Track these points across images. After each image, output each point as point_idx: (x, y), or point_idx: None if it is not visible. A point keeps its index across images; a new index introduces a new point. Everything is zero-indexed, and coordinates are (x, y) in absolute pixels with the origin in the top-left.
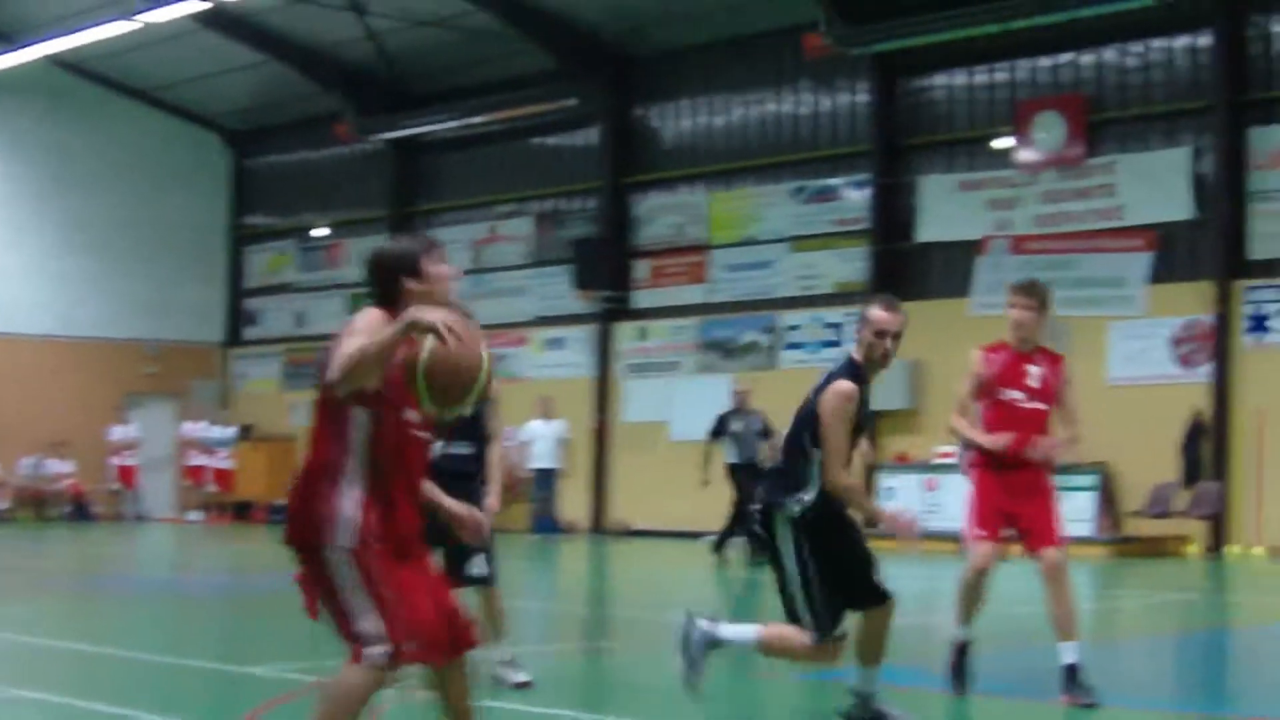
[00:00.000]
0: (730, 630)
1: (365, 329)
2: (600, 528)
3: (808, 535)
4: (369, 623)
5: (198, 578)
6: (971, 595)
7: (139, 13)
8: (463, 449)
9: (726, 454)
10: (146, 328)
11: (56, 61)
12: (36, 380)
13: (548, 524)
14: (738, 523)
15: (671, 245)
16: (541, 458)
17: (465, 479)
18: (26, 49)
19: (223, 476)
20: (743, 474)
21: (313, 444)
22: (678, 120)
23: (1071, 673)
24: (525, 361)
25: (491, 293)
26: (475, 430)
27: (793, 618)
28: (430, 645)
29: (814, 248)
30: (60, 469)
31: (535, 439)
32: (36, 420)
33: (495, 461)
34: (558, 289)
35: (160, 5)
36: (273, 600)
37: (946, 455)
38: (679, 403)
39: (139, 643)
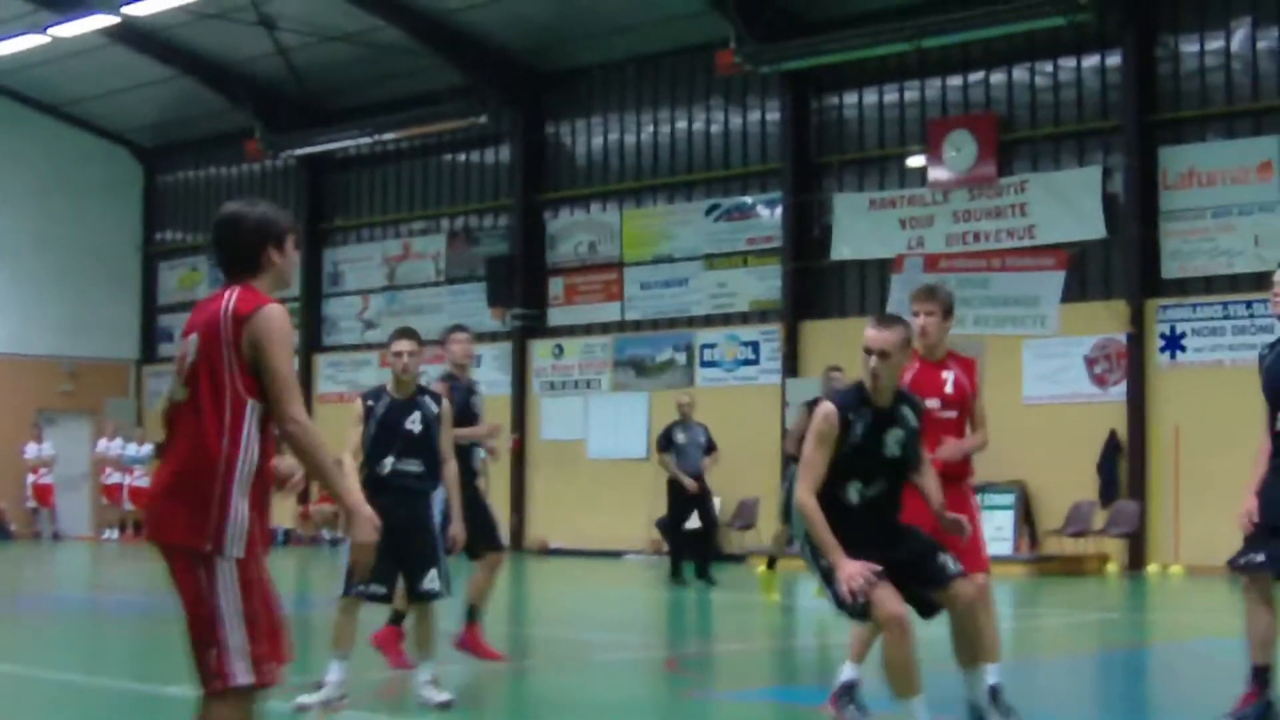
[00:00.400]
0: (847, 671)
1: (287, 339)
2: (518, 546)
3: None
4: (238, 641)
5: (114, 596)
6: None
7: (49, 27)
8: (412, 466)
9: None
10: (60, 345)
11: None
12: None
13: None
14: (681, 542)
15: (585, 263)
16: None
17: (415, 495)
18: None
19: (139, 494)
20: (681, 491)
21: (195, 437)
22: (590, 138)
23: (994, 694)
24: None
25: (405, 310)
26: (425, 448)
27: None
28: (279, 666)
29: (728, 266)
30: None
31: None
32: None
33: (451, 482)
34: (472, 306)
35: (70, 19)
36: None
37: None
38: (595, 421)
39: (55, 662)
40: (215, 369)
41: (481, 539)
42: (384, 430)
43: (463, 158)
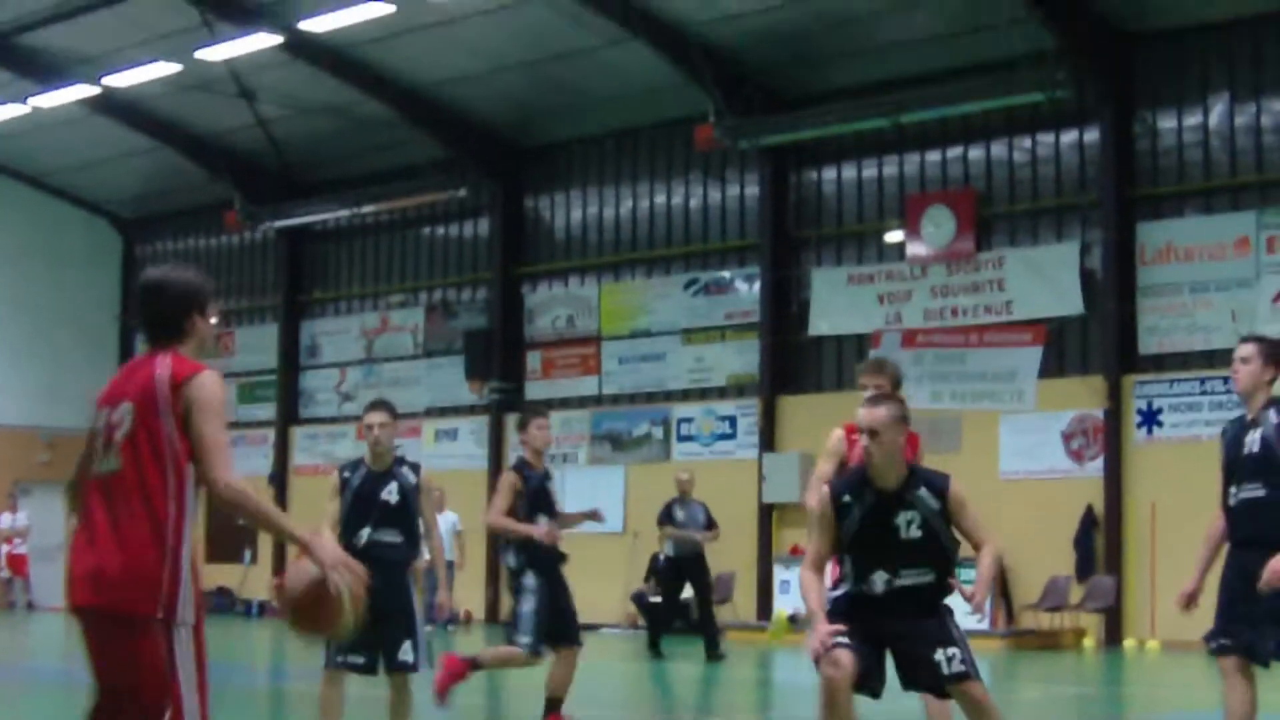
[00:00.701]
0: None
1: (220, 405)
2: (494, 618)
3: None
4: (193, 707)
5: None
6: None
7: (29, 97)
8: (389, 536)
9: (665, 546)
10: (38, 415)
11: None
12: None
13: (443, 616)
14: (663, 616)
15: (563, 337)
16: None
17: (391, 566)
18: None
19: None
20: (680, 566)
21: (140, 505)
22: (569, 211)
23: None
24: (418, 453)
25: (383, 383)
26: (403, 518)
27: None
28: None
29: (706, 340)
30: None
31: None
32: None
33: (436, 552)
34: (450, 379)
35: (50, 90)
36: None
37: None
38: (571, 494)
39: None
40: (155, 436)
41: (562, 632)
42: (360, 501)
43: (442, 230)
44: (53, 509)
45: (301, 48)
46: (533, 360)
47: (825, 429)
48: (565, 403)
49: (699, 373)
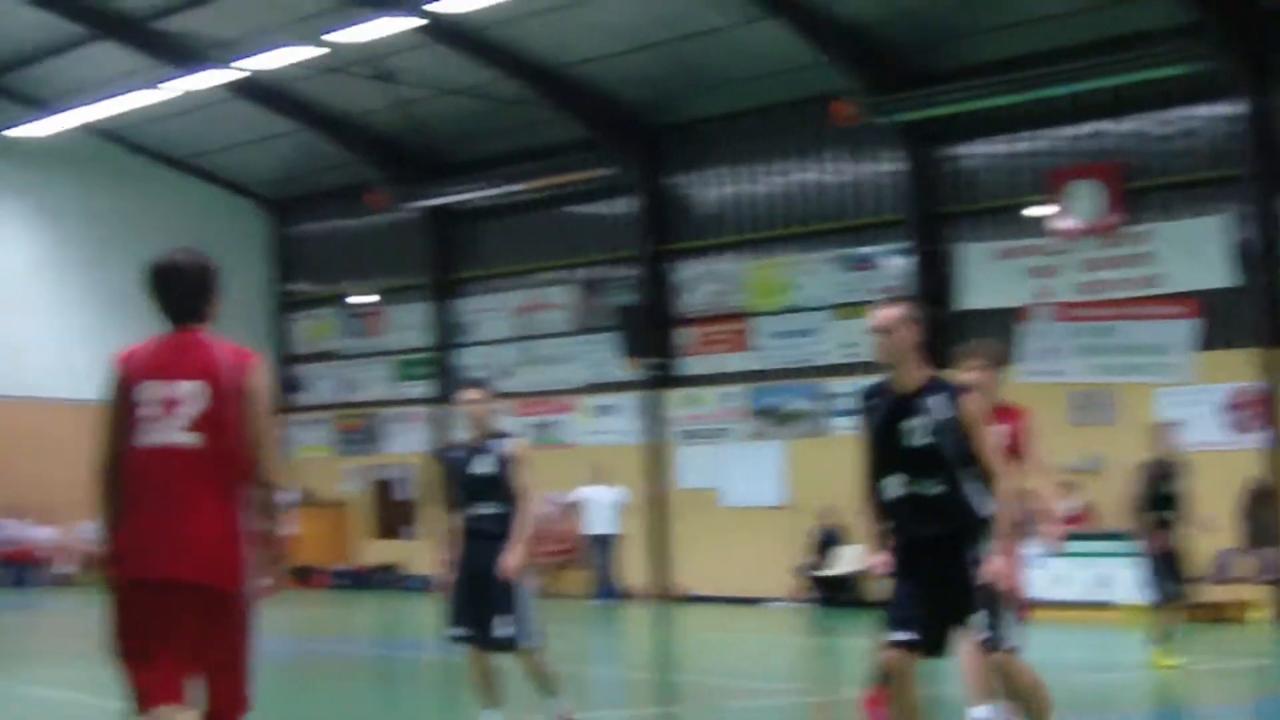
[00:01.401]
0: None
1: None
2: (660, 593)
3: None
4: (250, 671)
5: (260, 643)
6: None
7: (172, 80)
8: (489, 509)
9: None
10: None
11: (92, 130)
12: (91, 446)
13: (608, 590)
14: None
15: (714, 313)
16: (599, 523)
17: (492, 539)
18: (61, 116)
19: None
20: None
21: (219, 485)
22: (713, 188)
23: None
24: (574, 428)
25: (538, 360)
26: (499, 490)
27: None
28: None
29: (856, 315)
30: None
31: (590, 504)
32: (87, 487)
33: (522, 521)
34: (604, 356)
35: (193, 73)
36: (335, 664)
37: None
38: (731, 470)
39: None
40: (227, 418)
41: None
42: (461, 477)
43: (588, 209)
44: None
45: (439, 29)
46: (686, 336)
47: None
48: (721, 378)
49: (849, 348)
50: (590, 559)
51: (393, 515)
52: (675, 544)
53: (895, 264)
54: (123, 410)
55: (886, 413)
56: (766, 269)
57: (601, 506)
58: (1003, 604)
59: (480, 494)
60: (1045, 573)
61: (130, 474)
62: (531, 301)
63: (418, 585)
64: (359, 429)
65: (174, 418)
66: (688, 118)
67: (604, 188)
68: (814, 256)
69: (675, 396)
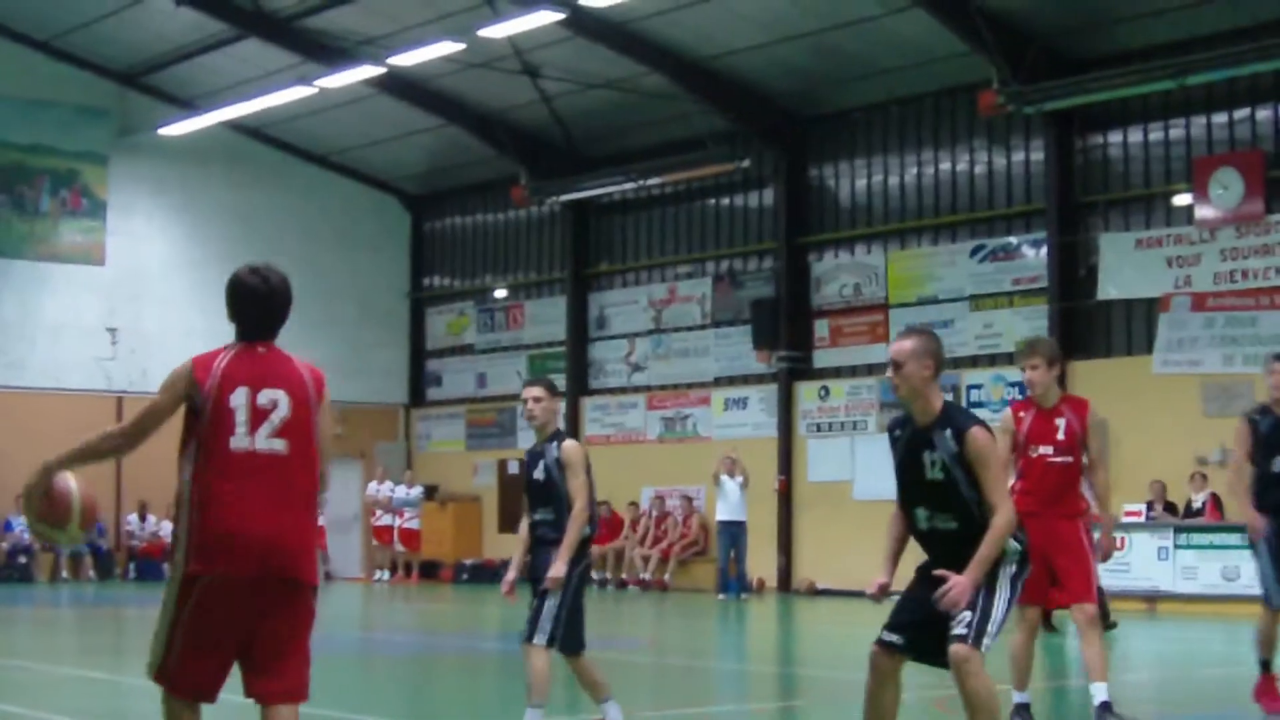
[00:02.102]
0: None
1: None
2: (786, 587)
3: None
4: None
5: (386, 637)
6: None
7: (316, 78)
8: (543, 514)
9: None
10: (331, 389)
11: (236, 127)
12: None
13: (735, 584)
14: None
15: (850, 305)
16: (729, 511)
17: (544, 545)
18: (206, 115)
19: (409, 536)
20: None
21: (304, 487)
22: (852, 180)
23: (1105, 708)
24: (708, 421)
25: (672, 353)
26: (551, 496)
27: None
28: None
29: (994, 306)
30: None
31: (722, 495)
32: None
33: (572, 527)
34: (738, 349)
35: (336, 71)
36: (461, 659)
37: (1133, 514)
38: (862, 462)
39: (329, 701)
40: (307, 426)
41: None
42: (524, 482)
43: (726, 201)
44: (347, 481)
45: (582, 23)
46: (820, 328)
47: (1116, 393)
48: (855, 370)
49: (988, 339)
50: (719, 550)
51: (517, 510)
52: (804, 537)
53: (1034, 254)
54: (215, 415)
55: (907, 445)
56: (905, 260)
57: (732, 495)
58: (994, 607)
59: (536, 499)
60: (1174, 566)
61: (221, 475)
62: (667, 295)
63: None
64: (492, 423)
65: (260, 425)
66: (831, 109)
67: (743, 180)
68: (953, 247)
69: (807, 389)
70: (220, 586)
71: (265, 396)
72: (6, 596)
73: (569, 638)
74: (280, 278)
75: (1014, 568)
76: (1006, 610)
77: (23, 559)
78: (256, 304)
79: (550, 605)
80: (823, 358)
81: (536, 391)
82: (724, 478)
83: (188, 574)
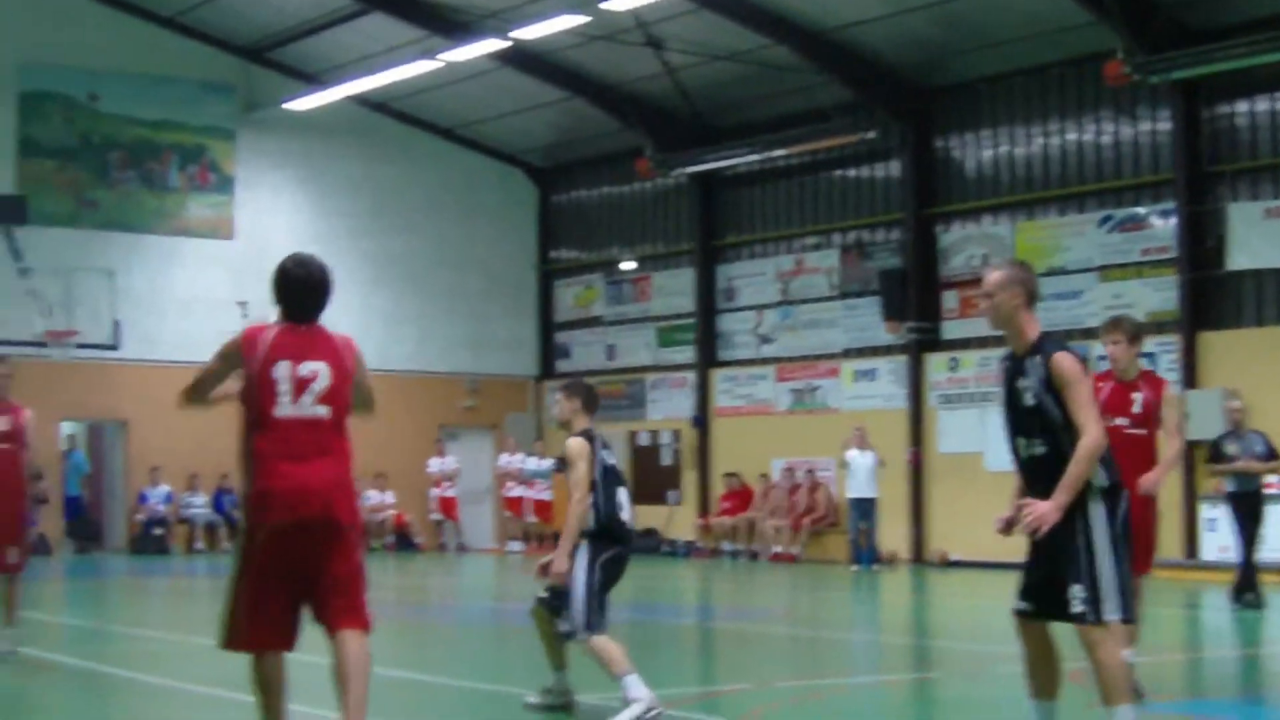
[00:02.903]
0: None
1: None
2: (919, 558)
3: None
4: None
5: (520, 607)
6: None
7: (440, 52)
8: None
9: (1225, 481)
10: (462, 362)
11: (361, 101)
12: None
13: (867, 555)
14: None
15: (979, 275)
16: (859, 488)
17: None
18: (332, 89)
19: (541, 507)
20: (1242, 503)
21: (342, 445)
22: (979, 150)
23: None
24: (837, 393)
25: (800, 325)
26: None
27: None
28: None
29: (1123, 277)
30: (382, 500)
31: (852, 469)
32: (357, 452)
33: (569, 519)
34: (867, 320)
35: (461, 45)
36: None
37: (1270, 486)
38: (993, 433)
39: (464, 671)
40: (344, 393)
41: None
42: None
43: (852, 172)
44: (478, 453)
45: None
46: (949, 299)
47: (1247, 364)
48: (984, 341)
49: (1117, 309)
50: (850, 524)
51: (655, 480)
52: (935, 508)
53: (1163, 224)
54: (261, 385)
55: (1007, 374)
56: (1033, 231)
57: (861, 471)
58: (1101, 570)
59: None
60: None
61: (268, 439)
62: (795, 266)
63: (681, 551)
64: (621, 395)
65: (303, 393)
66: (957, 79)
67: (869, 151)
68: (1081, 218)
69: (937, 360)
70: (272, 535)
71: (307, 368)
72: (142, 568)
73: (595, 620)
74: (321, 269)
75: (1102, 508)
76: (1116, 564)
77: (158, 531)
78: (301, 292)
79: (574, 595)
80: (952, 329)
81: (558, 395)
82: (854, 453)
83: (246, 529)
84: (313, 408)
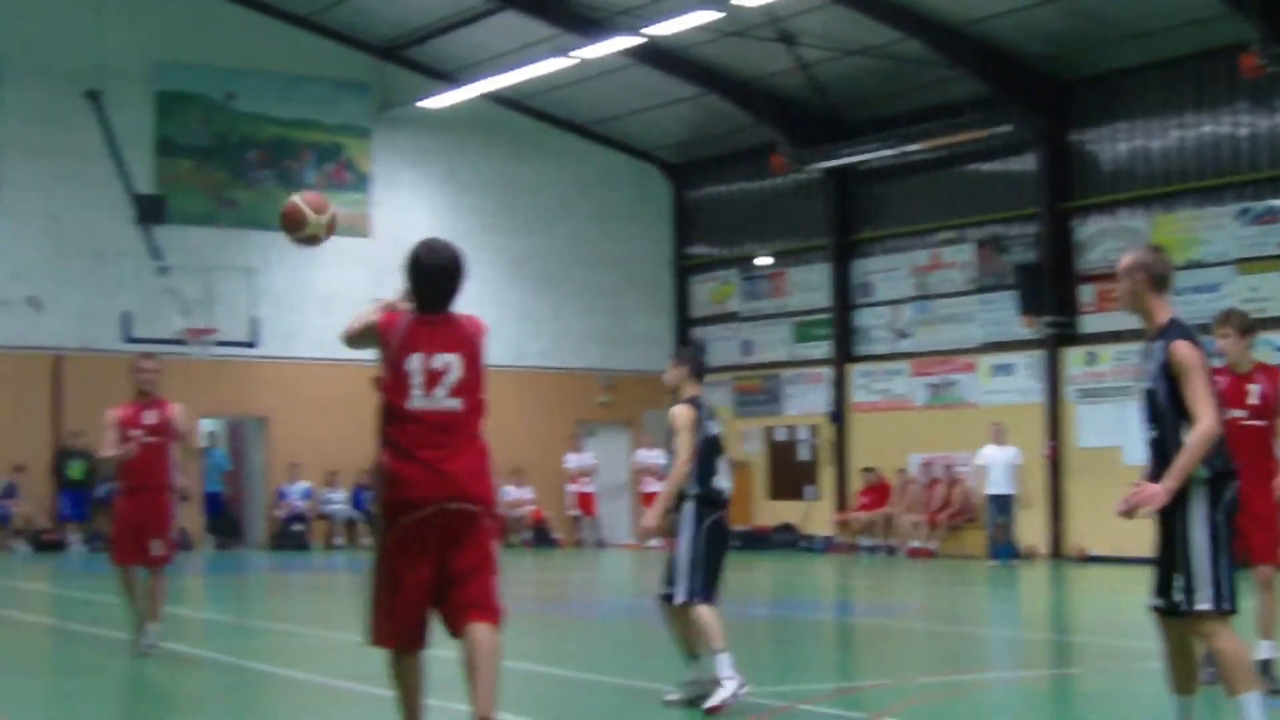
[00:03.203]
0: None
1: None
2: (1057, 553)
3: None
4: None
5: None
6: None
7: (574, 49)
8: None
9: None
10: (597, 358)
11: (495, 98)
12: (493, 409)
13: (1006, 550)
14: None
15: (1116, 269)
16: (997, 483)
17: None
18: (466, 87)
19: None
20: None
21: (478, 433)
22: (1115, 144)
23: (1264, 666)
24: (974, 388)
25: (936, 319)
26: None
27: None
28: None
29: (1261, 269)
30: (519, 496)
31: (989, 465)
32: (494, 448)
33: (669, 481)
34: (1003, 314)
35: (594, 42)
36: (736, 625)
37: None
38: (1132, 428)
39: (602, 666)
40: (475, 383)
41: None
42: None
43: (987, 167)
44: (615, 448)
45: None
46: (1086, 293)
47: None
48: (1121, 335)
49: (1255, 302)
50: (987, 520)
51: (791, 476)
52: (1074, 503)
53: None
54: (394, 378)
55: (1141, 357)
56: (1170, 224)
57: (999, 466)
58: (1195, 559)
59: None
60: None
61: (402, 432)
62: (930, 261)
63: (818, 546)
64: (759, 390)
65: (436, 385)
66: (1092, 72)
67: (1004, 145)
68: (1219, 210)
69: (1074, 354)
70: (407, 528)
71: (439, 360)
72: (282, 564)
73: (699, 588)
74: (452, 254)
75: (1203, 499)
76: (1213, 555)
77: (297, 527)
78: (432, 278)
79: (680, 561)
80: (1089, 323)
81: (669, 361)
82: (991, 449)
83: (381, 523)
84: (445, 400)
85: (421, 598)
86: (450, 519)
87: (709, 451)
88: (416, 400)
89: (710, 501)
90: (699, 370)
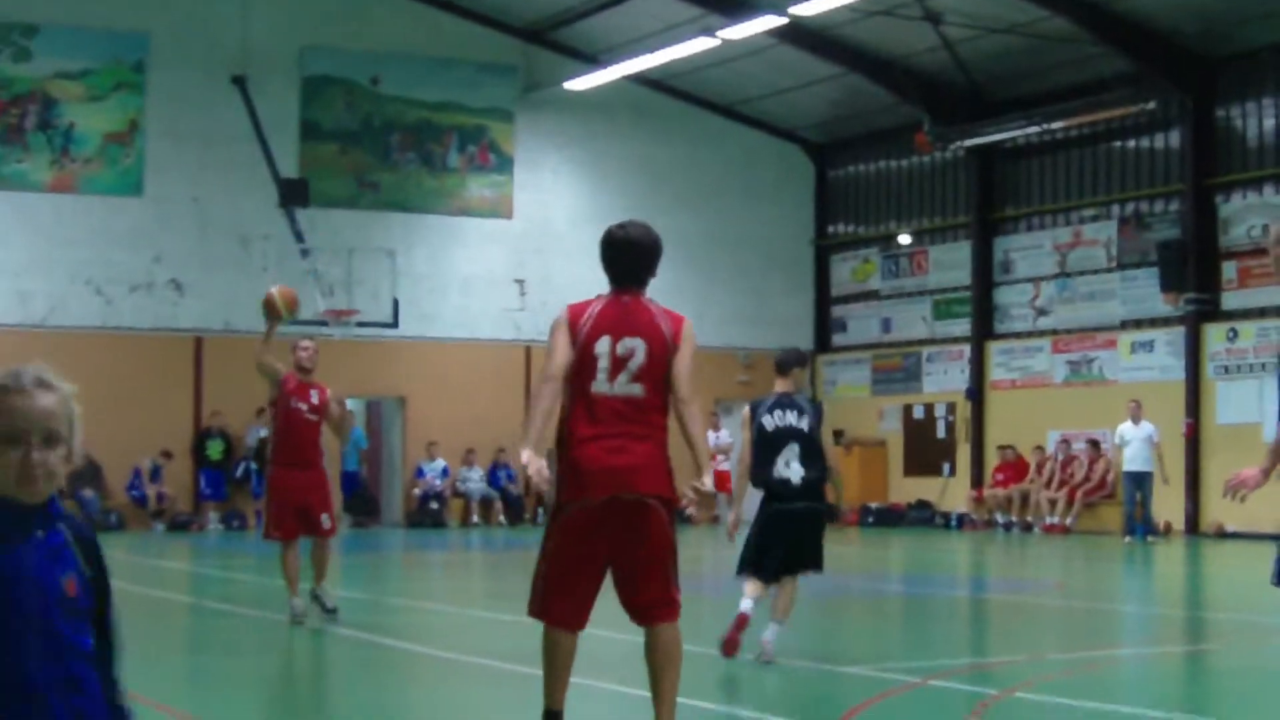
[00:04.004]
0: None
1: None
2: (1195, 530)
3: None
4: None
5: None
6: None
7: (718, 30)
8: None
9: None
10: (738, 337)
11: (639, 80)
12: None
13: (1142, 527)
14: None
15: (1259, 245)
16: (1134, 460)
17: None
18: (610, 69)
19: None
20: None
21: (659, 421)
22: (1261, 120)
23: None
24: (1114, 364)
25: (1077, 297)
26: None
27: None
28: None
29: None
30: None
31: (1127, 442)
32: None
33: (736, 457)
34: (1144, 291)
35: (739, 22)
36: (868, 602)
37: None
38: (1272, 404)
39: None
40: (659, 370)
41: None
42: None
43: (1131, 144)
44: None
45: None
46: (1228, 270)
47: None
48: (1264, 312)
49: None
50: (1125, 496)
51: (929, 453)
52: (1212, 480)
53: None
54: (581, 361)
55: None
56: None
57: (1137, 443)
58: None
59: None
60: None
61: (584, 415)
62: (1072, 238)
63: (955, 523)
64: (898, 368)
65: (621, 371)
66: (1238, 49)
67: (1148, 121)
68: None
69: (1215, 331)
70: (580, 512)
71: (624, 346)
72: (420, 541)
73: (742, 561)
74: (643, 231)
75: None
76: None
77: (435, 504)
78: (622, 255)
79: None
80: (1231, 299)
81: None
82: (1128, 425)
83: (558, 505)
84: (628, 385)
85: (591, 581)
86: (624, 507)
87: (763, 444)
88: (601, 385)
89: (770, 495)
90: (779, 367)
